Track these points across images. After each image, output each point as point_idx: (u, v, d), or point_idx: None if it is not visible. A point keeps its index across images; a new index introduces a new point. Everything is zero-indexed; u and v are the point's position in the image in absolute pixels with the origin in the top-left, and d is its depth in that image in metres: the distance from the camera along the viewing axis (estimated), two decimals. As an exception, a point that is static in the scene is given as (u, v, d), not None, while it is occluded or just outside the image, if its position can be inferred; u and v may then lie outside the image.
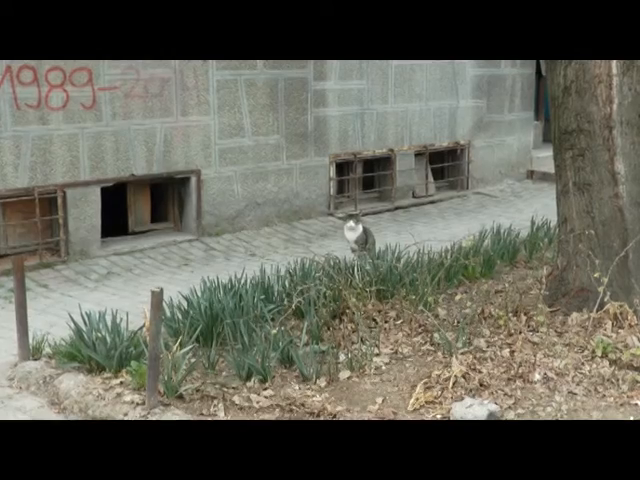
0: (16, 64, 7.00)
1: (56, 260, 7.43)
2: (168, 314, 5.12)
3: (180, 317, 5.18)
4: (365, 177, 9.99)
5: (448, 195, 10.62)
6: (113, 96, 7.64)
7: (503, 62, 11.06)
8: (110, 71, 7.58)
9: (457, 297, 5.58)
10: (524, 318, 5.05)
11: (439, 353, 4.79)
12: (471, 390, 4.23)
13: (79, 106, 7.44)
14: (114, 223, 7.94)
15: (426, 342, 4.99)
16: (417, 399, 4.19)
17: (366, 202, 9.87)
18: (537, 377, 4.31)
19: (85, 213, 7.60)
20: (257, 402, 4.24)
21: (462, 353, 4.62)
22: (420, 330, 5.17)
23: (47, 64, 7.17)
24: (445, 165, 10.81)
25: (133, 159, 7.85)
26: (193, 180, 8.31)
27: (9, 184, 7.15)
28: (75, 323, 4.92)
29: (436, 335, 4.94)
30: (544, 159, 11.29)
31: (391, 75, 9.83)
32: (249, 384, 4.46)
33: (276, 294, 5.58)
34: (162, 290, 4.11)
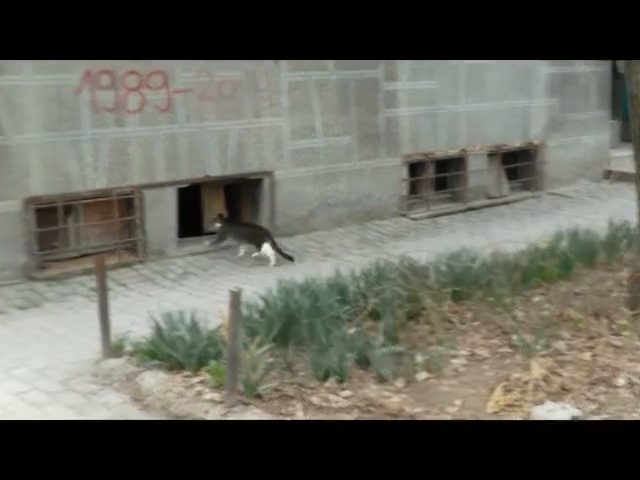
0: (95, 69, 7.17)
1: (134, 260, 7.58)
2: (245, 314, 5.16)
3: (257, 317, 5.22)
4: (437, 178, 9.93)
5: (522, 196, 10.48)
6: (187, 98, 7.75)
7: (577, 60, 10.86)
8: (184, 74, 7.70)
9: (534, 299, 5.51)
10: (605, 321, 4.96)
11: (517, 355, 4.73)
12: (552, 394, 4.17)
13: (154, 109, 7.57)
14: (188, 223, 8.05)
15: (504, 344, 4.94)
16: (496, 402, 4.14)
17: (438, 203, 9.81)
18: (621, 382, 4.23)
19: (161, 214, 7.73)
20: (335, 402, 4.25)
21: (541, 356, 4.56)
22: (497, 332, 5.12)
23: (124, 68, 7.32)
24: (518, 165, 10.67)
25: (207, 160, 7.96)
26: (266, 181, 8.38)
27: (89, 185, 7.32)
28: (156, 322, 5.01)
29: (514, 337, 4.89)
30: (622, 159, 11.02)
31: (462, 74, 9.75)
32: (327, 384, 4.47)
33: (351, 295, 5.57)
34: (241, 290, 4.15)
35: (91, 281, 6.75)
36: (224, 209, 8.21)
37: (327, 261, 7.57)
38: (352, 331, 4.85)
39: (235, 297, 4.12)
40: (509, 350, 4.85)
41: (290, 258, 7.60)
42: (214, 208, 8.29)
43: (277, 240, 7.79)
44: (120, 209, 7.54)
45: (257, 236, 7.71)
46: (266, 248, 7.57)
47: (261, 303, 5.36)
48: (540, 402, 4.07)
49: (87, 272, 7.04)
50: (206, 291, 6.82)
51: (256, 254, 7.61)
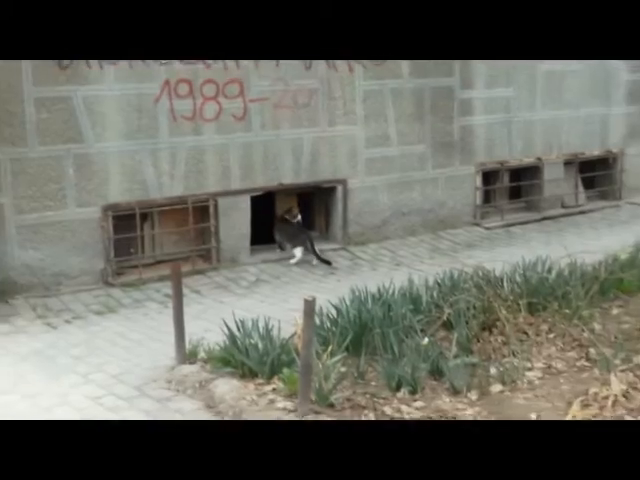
0: (174, 78, 7.29)
1: (207, 267, 7.66)
2: (318, 322, 5.16)
3: (329, 326, 5.22)
4: (512, 186, 9.79)
5: (599, 205, 10.26)
6: (262, 107, 7.81)
7: (659, 66, 10.59)
8: (260, 82, 7.76)
9: (613, 311, 5.39)
10: (688, 335, 4.82)
11: (595, 369, 4.62)
12: (632, 410, 4.05)
13: (230, 117, 7.65)
14: (261, 231, 8.12)
15: (581, 357, 4.84)
16: (573, 417, 4.05)
17: (512, 212, 9.67)
18: None
19: (235, 221, 7.80)
20: (408, 413, 4.22)
21: (621, 370, 4.44)
22: (574, 345, 5.02)
23: (202, 77, 7.42)
24: (596, 174, 10.45)
25: (281, 168, 8.00)
26: (339, 189, 8.38)
27: (165, 193, 7.43)
28: (229, 329, 5.05)
29: (592, 350, 4.78)
30: (703, 167, 10.70)
31: (539, 81, 9.60)
32: (399, 395, 4.44)
33: (424, 305, 5.54)
34: (315, 299, 4.15)
35: (166, 287, 6.86)
36: (297, 210, 8.24)
37: (400, 270, 7.53)
38: (425, 341, 4.81)
39: (309, 305, 4.12)
40: (587, 364, 4.75)
41: (328, 262, 7.74)
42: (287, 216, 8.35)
43: (349, 248, 7.76)
44: (195, 216, 7.64)
45: (296, 238, 7.93)
46: (297, 250, 7.86)
47: (334, 312, 5.35)
48: (620, 418, 3.96)
49: (162, 278, 7.16)
50: (278, 299, 6.86)
51: (294, 260, 7.85)
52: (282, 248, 8.17)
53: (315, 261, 7.81)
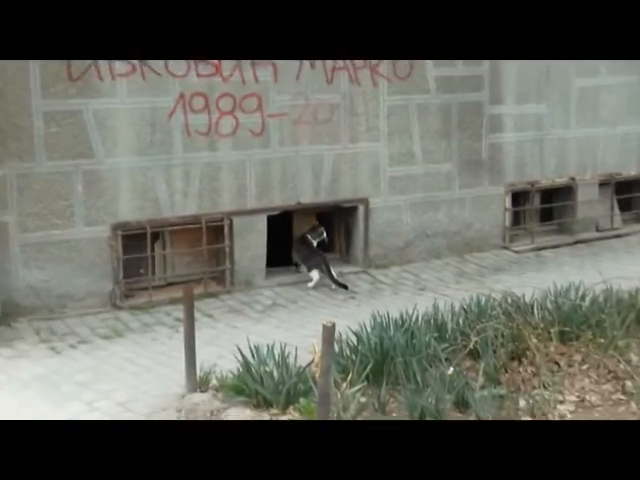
0: (189, 91, 7.33)
1: (221, 290, 7.66)
2: (337, 350, 5.14)
3: (349, 353, 5.20)
4: (543, 208, 9.74)
5: (636, 229, 10.17)
6: (281, 122, 7.83)
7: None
8: (279, 97, 7.79)
9: (651, 342, 5.33)
10: None
11: (632, 403, 4.57)
12: (671, 447, 3.98)
13: (248, 132, 7.67)
14: (277, 252, 8.13)
15: (617, 390, 4.78)
16: (608, 454, 3.98)
17: (544, 235, 9.61)
18: None
19: (251, 242, 7.81)
20: (431, 447, 4.17)
21: (659, 405, 4.39)
22: (610, 377, 4.96)
23: (218, 91, 7.46)
24: (633, 195, 10.37)
25: (300, 187, 8.01)
26: (360, 209, 8.38)
27: (177, 211, 7.45)
28: (243, 356, 5.04)
29: (629, 383, 4.73)
30: None
31: (573, 97, 9.57)
32: (422, 427, 4.40)
33: (450, 332, 5.51)
34: (334, 324, 4.14)
35: (177, 311, 6.86)
36: (322, 229, 8.24)
37: (424, 295, 7.51)
38: (450, 371, 4.77)
39: (328, 332, 4.10)
40: (623, 397, 4.69)
41: (344, 287, 7.75)
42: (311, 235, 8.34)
43: (370, 271, 7.75)
44: (209, 236, 7.65)
45: (310, 259, 7.94)
46: (314, 273, 7.87)
47: (354, 339, 5.33)
48: None
49: (173, 301, 7.16)
50: (295, 324, 6.84)
51: (312, 283, 7.86)
52: (299, 270, 8.19)
53: (334, 285, 7.79)
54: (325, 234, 8.18)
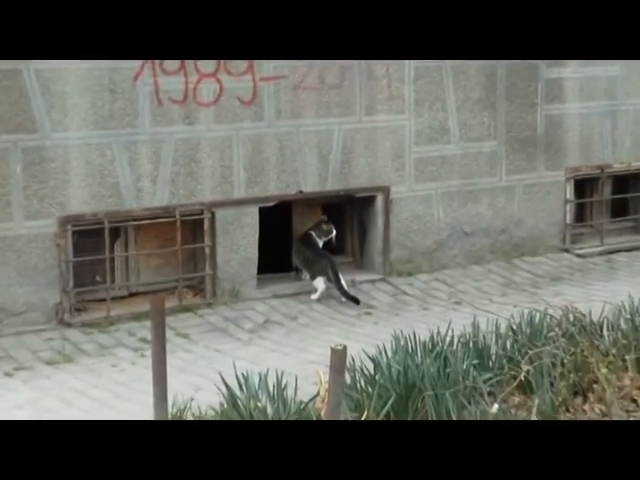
0: (158, 47, 7.34)
1: (200, 302, 7.67)
2: (348, 380, 5.13)
3: (364, 385, 5.19)
4: (615, 200, 9.74)
5: None
6: (278, 88, 7.83)
7: None
8: (275, 55, 7.80)
9: None
10: None
11: None
12: None
13: (235, 101, 7.67)
14: (273, 254, 8.14)
15: None
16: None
17: (616, 234, 9.60)
18: None
19: (238, 241, 7.81)
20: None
21: None
22: (701, 418, 4.96)
23: (196, 46, 7.48)
24: None
25: (302, 171, 8.01)
26: (379, 200, 8.38)
27: (144, 202, 7.45)
28: (228, 387, 5.03)
29: None
30: None
31: (654, 58, 9.56)
32: None
33: (494, 359, 5.52)
34: (345, 348, 4.12)
35: (142, 329, 6.88)
36: (328, 226, 8.25)
37: (460, 311, 7.51)
38: (495, 409, 4.76)
39: (338, 357, 4.08)
40: None
41: (355, 300, 7.78)
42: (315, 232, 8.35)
43: (391, 279, 7.77)
44: (184, 234, 7.65)
45: (314, 264, 8.00)
46: (318, 281, 7.92)
47: (370, 366, 5.33)
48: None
49: (137, 317, 7.17)
50: (295, 347, 6.84)
51: (316, 294, 7.92)
52: (300, 277, 8.22)
53: (344, 297, 7.80)
54: (334, 232, 8.18)
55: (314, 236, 8.14)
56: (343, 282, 7.86)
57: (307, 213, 8.44)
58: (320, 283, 7.90)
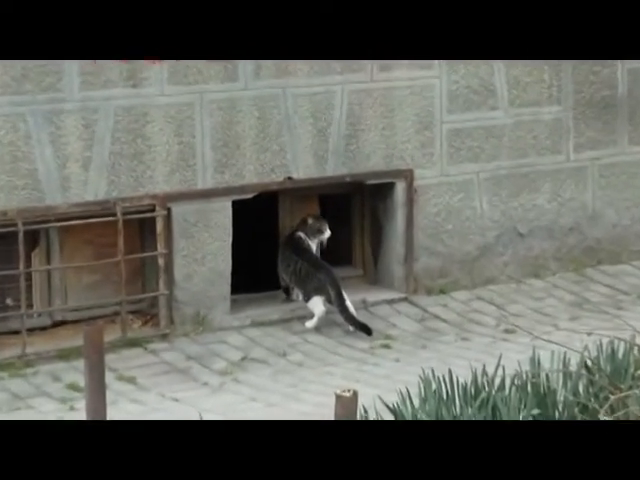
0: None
1: (151, 333, 7.70)
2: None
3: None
4: None
5: None
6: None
7: None
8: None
9: None
10: None
11: None
12: None
13: (197, 53, 7.70)
14: (250, 266, 8.16)
15: None
16: None
17: None
18: None
19: (205, 248, 7.81)
20: None
21: None
22: None
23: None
24: None
25: (291, 150, 8.01)
26: (399, 189, 8.38)
27: (72, 195, 7.44)
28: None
29: None
30: None
31: None
32: None
33: (561, 407, 5.49)
34: (355, 394, 4.12)
35: (72, 372, 6.89)
36: (320, 223, 8.25)
37: (513, 341, 7.58)
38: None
39: (345, 407, 4.09)
40: None
41: (366, 329, 7.82)
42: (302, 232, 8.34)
43: (416, 299, 7.78)
44: (129, 239, 7.65)
45: (309, 279, 8.03)
46: (315, 302, 7.96)
47: (390, 418, 5.31)
48: None
49: (65, 355, 7.18)
50: (283, 394, 6.87)
51: (312, 322, 7.97)
52: (288, 294, 8.27)
53: (351, 325, 7.81)
54: (327, 231, 8.18)
55: (304, 238, 8.13)
56: (349, 303, 7.85)
57: (300, 208, 8.44)
58: (317, 305, 7.92)
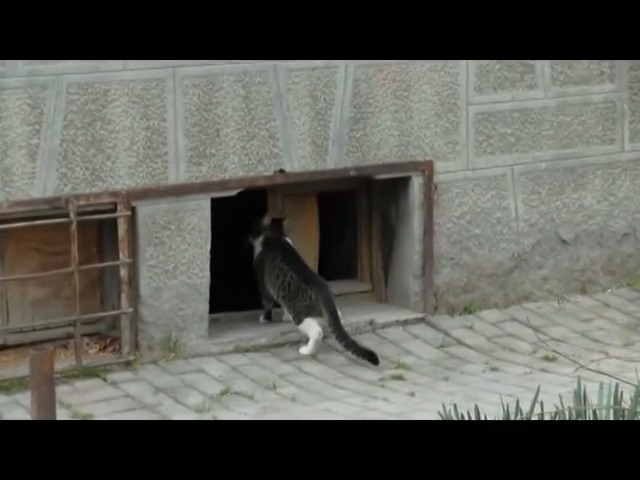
0: None
1: (112, 361, 7.72)
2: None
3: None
4: None
5: None
6: (242, -4, 7.90)
7: None
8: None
9: None
10: None
11: None
12: None
13: (168, 18, 7.74)
14: (230, 278, 8.21)
15: None
16: None
17: None
18: None
19: (177, 257, 7.84)
20: None
21: None
22: None
23: None
24: None
25: (283, 137, 8.04)
26: (415, 185, 8.42)
27: (15, 191, 7.46)
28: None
29: None
30: None
31: None
32: None
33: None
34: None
35: (15, 407, 6.93)
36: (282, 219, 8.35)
37: (555, 372, 7.65)
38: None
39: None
40: None
41: (372, 357, 7.90)
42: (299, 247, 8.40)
43: (436, 320, 7.82)
44: (85, 245, 7.69)
45: (300, 295, 8.09)
46: (308, 324, 8.03)
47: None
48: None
49: (5, 387, 7.20)
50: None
51: (307, 348, 8.08)
52: (270, 318, 8.39)
53: (355, 352, 7.86)
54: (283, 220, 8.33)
55: (291, 244, 8.19)
56: (342, 324, 7.95)
57: (294, 209, 8.49)
58: (312, 327, 7.99)
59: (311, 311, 8.00)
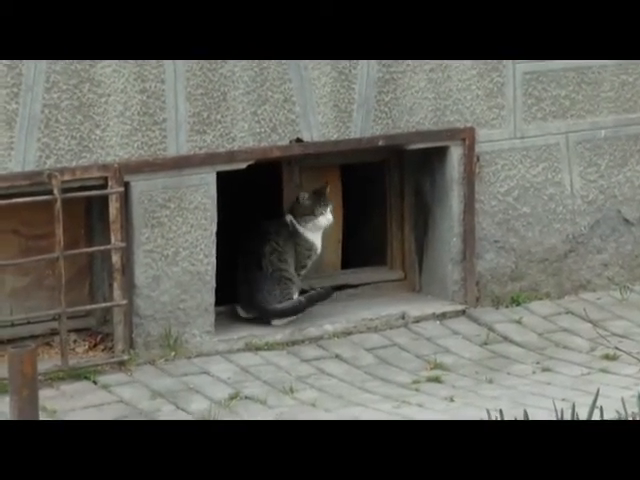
0: None
1: (103, 361, 7.77)
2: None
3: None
4: None
5: None
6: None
7: None
8: None
9: None
10: None
11: None
12: None
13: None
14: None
15: None
16: None
17: None
18: None
19: (178, 240, 7.89)
20: None
21: None
22: None
23: None
24: None
25: (300, 101, 8.08)
26: (454, 156, 8.45)
27: (-8, 164, 7.52)
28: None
29: None
30: None
31: None
32: None
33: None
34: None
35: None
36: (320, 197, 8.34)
37: (617, 373, 7.66)
38: None
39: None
40: None
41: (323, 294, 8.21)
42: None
43: (478, 313, 7.86)
44: (71, 226, 7.74)
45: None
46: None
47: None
48: None
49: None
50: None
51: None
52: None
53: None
54: (328, 212, 8.33)
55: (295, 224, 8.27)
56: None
57: (313, 184, 8.53)
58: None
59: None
